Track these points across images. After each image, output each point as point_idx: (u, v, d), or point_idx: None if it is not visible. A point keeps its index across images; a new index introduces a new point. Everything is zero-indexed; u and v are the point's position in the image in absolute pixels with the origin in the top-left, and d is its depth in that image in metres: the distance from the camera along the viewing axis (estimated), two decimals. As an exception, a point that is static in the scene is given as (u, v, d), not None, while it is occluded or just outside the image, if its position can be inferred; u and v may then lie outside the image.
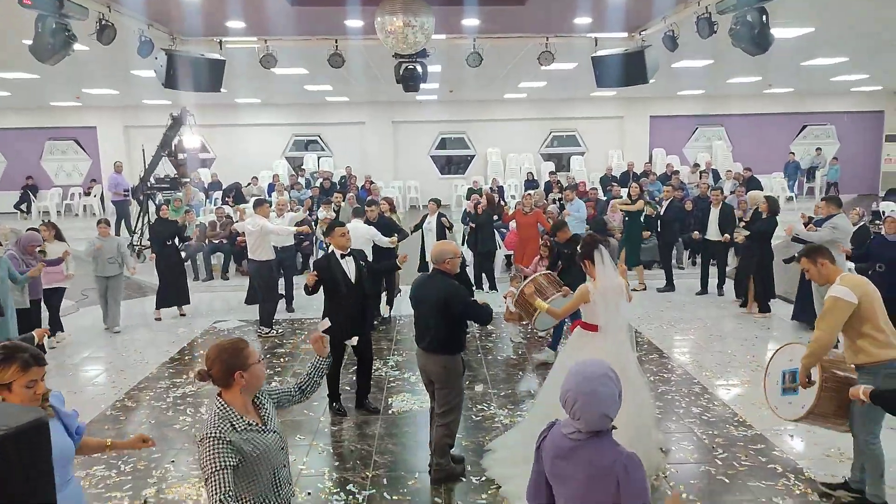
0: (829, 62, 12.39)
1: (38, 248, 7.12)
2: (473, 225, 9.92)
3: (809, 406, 3.94)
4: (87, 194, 18.67)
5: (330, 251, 5.51)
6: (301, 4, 6.86)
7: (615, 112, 19.95)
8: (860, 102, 19.94)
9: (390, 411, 5.68)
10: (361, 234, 7.71)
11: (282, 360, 7.20)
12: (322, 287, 5.38)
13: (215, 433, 2.28)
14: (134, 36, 7.22)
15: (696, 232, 9.82)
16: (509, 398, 5.93)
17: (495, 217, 10.63)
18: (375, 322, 8.12)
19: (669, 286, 9.91)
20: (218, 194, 16.40)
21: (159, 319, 8.84)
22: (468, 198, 12.67)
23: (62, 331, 7.94)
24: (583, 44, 9.05)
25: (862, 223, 9.61)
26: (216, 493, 2.20)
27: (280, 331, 8.23)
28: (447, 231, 9.76)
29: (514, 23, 8.11)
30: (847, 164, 19.81)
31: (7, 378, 2.27)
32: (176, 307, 9.04)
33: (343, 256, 5.37)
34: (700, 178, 14.81)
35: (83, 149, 19.86)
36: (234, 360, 2.37)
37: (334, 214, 10.48)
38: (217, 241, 11.65)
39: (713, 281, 9.63)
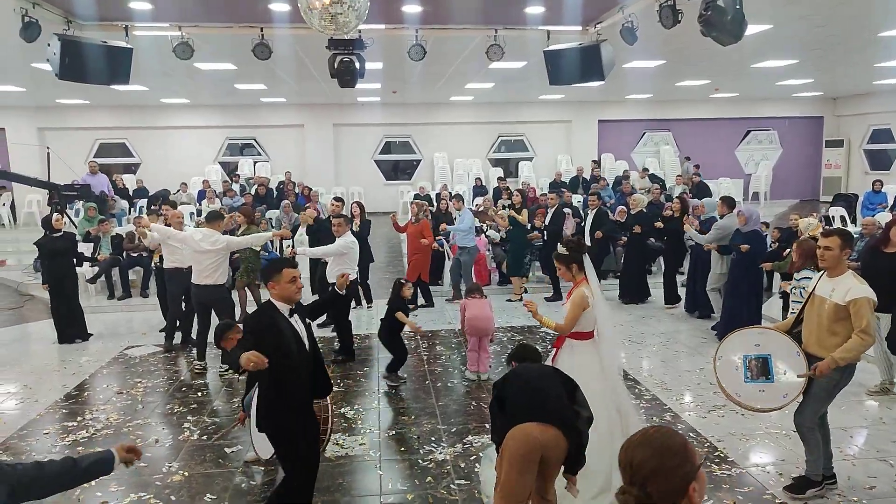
0: (779, 64, 12.18)
1: None
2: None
3: (793, 396, 3.87)
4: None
5: (267, 306, 3.61)
6: (215, -17, 5.95)
7: (563, 116, 19.52)
8: (801, 108, 20.17)
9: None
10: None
11: (199, 394, 6.21)
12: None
13: None
14: (16, 16, 6.13)
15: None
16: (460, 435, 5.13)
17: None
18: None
19: (557, 295, 9.39)
20: (143, 202, 15.06)
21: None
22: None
23: None
24: (534, 38, 8.40)
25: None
26: None
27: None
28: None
29: (460, 12, 7.37)
30: (789, 169, 20.01)
31: None
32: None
33: (291, 313, 3.61)
34: (651, 183, 14.51)
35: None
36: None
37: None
38: (136, 255, 10.46)
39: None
